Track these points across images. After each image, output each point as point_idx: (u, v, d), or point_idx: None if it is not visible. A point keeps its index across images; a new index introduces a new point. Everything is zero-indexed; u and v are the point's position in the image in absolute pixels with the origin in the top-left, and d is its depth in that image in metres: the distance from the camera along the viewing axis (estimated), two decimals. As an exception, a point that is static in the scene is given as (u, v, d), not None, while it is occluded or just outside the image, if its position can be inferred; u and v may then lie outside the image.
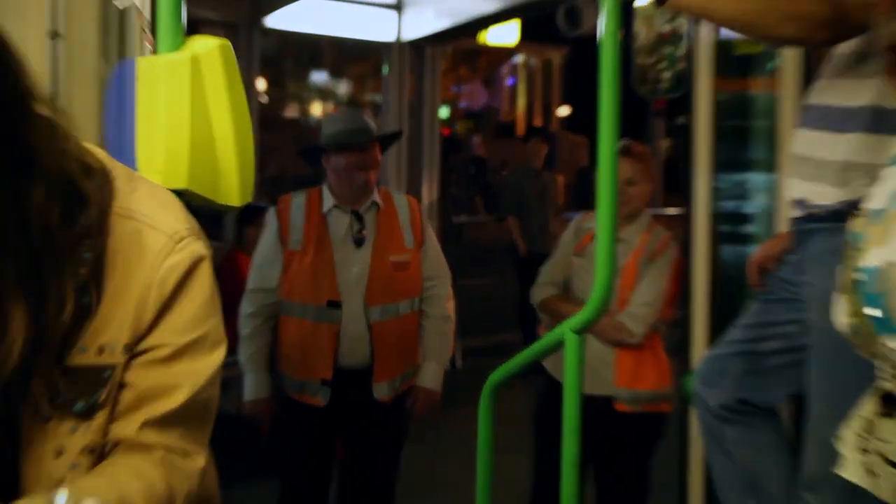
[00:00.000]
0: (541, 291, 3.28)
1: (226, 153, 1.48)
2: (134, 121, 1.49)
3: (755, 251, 2.17)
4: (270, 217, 3.07)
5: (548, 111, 22.15)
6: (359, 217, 3.04)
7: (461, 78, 22.29)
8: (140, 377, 1.06)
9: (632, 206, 3.08)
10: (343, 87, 18.63)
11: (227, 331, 1.14)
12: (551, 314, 3.19)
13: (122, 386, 1.06)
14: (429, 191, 6.20)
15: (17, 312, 0.96)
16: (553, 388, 3.00)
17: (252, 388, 3.04)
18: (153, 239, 1.06)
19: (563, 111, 21.69)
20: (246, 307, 3.05)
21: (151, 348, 1.06)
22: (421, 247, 3.09)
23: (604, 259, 1.77)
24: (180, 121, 1.47)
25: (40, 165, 0.97)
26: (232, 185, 1.48)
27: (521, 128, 22.11)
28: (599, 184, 1.82)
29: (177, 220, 1.09)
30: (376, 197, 3.07)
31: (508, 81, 23.41)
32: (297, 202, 3.07)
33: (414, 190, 6.04)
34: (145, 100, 1.49)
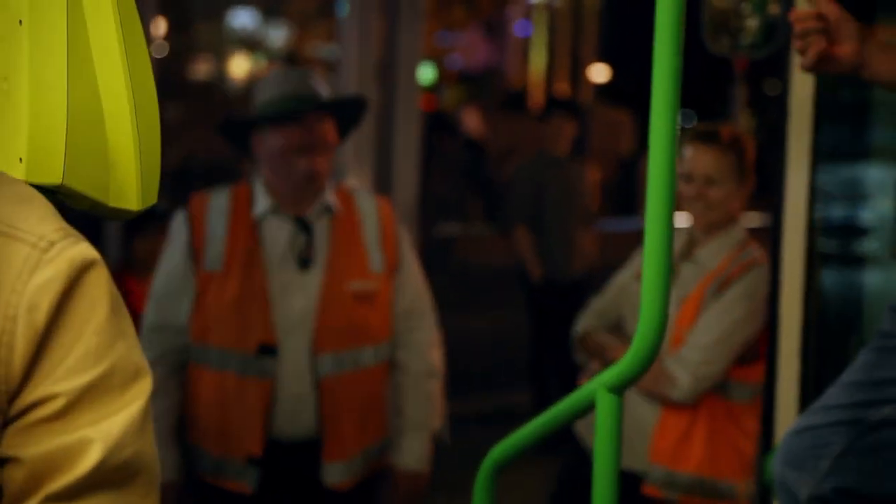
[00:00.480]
0: (583, 321, 3.33)
1: (119, 134, 1.51)
2: None
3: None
4: (177, 225, 3.11)
5: (577, 74, 22.26)
6: (305, 227, 3.08)
7: (453, 24, 22.41)
8: (27, 446, 1.08)
9: (713, 214, 3.16)
10: (278, 36, 18.67)
11: None
12: (592, 355, 3.27)
13: (5, 463, 1.08)
14: (403, 190, 6.27)
15: None
16: (584, 463, 3.02)
17: None
18: (9, 251, 1.08)
19: (599, 75, 21.80)
20: (144, 360, 3.07)
21: (36, 403, 1.08)
22: (394, 271, 3.14)
23: (653, 290, 1.82)
24: (51, 85, 1.49)
25: None
26: (128, 180, 1.50)
27: (536, 98, 22.21)
28: (650, 181, 1.88)
29: (41, 219, 1.12)
30: (330, 197, 3.11)
31: (521, 30, 23.52)
32: (217, 204, 3.10)
33: (382, 187, 6.10)
34: None
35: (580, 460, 3.12)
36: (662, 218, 1.90)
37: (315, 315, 3.03)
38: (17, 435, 1.08)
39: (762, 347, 3.05)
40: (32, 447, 1.08)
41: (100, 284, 1.12)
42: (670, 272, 1.88)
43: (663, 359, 3.05)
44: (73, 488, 1.08)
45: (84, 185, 1.47)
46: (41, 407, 1.08)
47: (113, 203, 1.50)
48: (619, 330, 3.28)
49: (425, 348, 3.17)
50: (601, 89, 21.25)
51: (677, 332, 3.11)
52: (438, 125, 16.51)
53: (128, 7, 1.56)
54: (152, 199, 1.53)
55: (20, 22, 1.49)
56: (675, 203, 1.98)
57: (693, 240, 3.26)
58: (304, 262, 3.06)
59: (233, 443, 3.03)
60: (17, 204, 1.12)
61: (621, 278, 3.36)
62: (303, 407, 3.03)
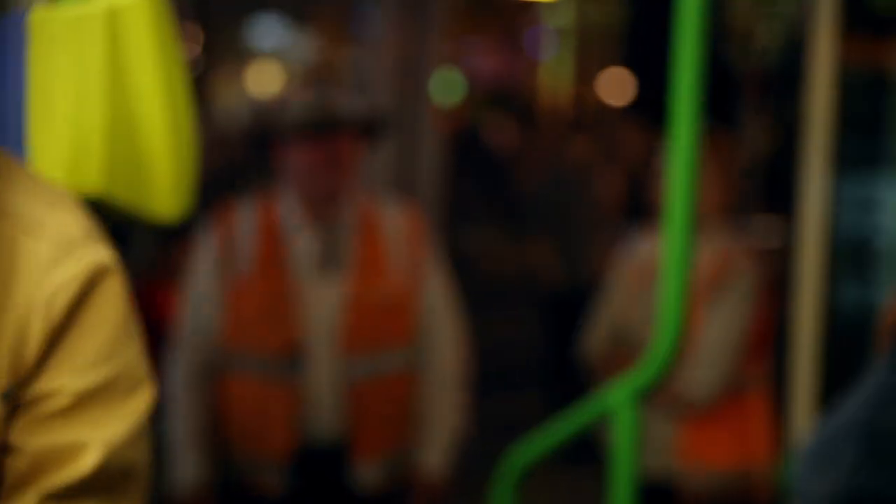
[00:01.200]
0: (592, 347, 3.36)
1: (156, 143, 1.54)
2: (22, 97, 1.53)
3: (890, 300, 2.23)
4: (206, 233, 3.15)
5: (595, 88, 22.19)
6: (332, 235, 3.11)
7: (472, 29, 22.34)
8: (31, 438, 1.09)
9: (703, 218, 3.17)
10: (303, 46, 18.67)
11: None
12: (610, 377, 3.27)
13: (6, 451, 1.10)
14: (424, 196, 6.28)
15: None
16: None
17: (187, 471, 3.10)
18: (32, 246, 1.10)
19: (621, 87, 21.73)
20: (176, 364, 3.11)
21: (42, 397, 1.10)
22: (419, 277, 3.16)
23: (671, 300, 1.85)
24: (91, 99, 1.51)
25: None
26: (164, 190, 1.53)
27: (557, 112, 22.17)
28: (672, 190, 1.90)
29: (67, 219, 1.13)
30: (357, 206, 3.14)
31: (542, 36, 23.49)
32: (245, 213, 3.14)
33: (403, 192, 6.11)
34: (41, 68, 1.53)
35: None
36: (682, 230, 1.92)
37: (341, 321, 3.05)
38: (23, 426, 1.10)
39: (762, 332, 3.10)
40: (35, 439, 1.09)
41: (115, 290, 1.14)
42: (689, 283, 1.90)
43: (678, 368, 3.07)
44: (69, 488, 1.09)
45: (121, 193, 1.50)
46: (48, 401, 1.10)
47: (150, 212, 1.53)
48: (625, 344, 3.30)
49: (449, 354, 3.17)
50: (621, 104, 21.15)
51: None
52: (464, 138, 16.52)
53: (164, 25, 1.59)
54: (187, 209, 1.55)
55: (61, 40, 1.52)
56: (695, 215, 2.00)
57: None
58: (331, 269, 3.08)
59: (262, 448, 3.05)
60: (45, 204, 1.14)
61: (618, 294, 3.37)
62: (330, 412, 3.04)
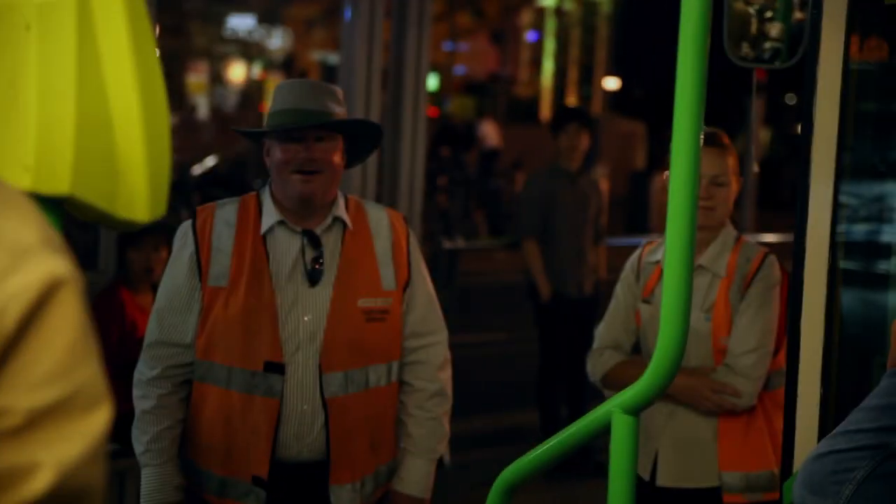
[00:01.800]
0: (602, 361, 3.41)
1: (129, 143, 1.52)
2: None
3: None
4: (183, 237, 3.09)
5: (588, 82, 22.30)
6: (314, 241, 3.07)
7: (458, 30, 22.44)
8: None
9: (719, 214, 3.33)
10: (277, 42, 18.67)
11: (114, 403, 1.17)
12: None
13: None
14: (409, 200, 6.29)
15: None
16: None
17: (154, 487, 3.08)
18: None
19: (611, 83, 21.84)
20: (145, 369, 3.08)
21: None
22: (405, 288, 3.14)
23: (671, 314, 1.84)
24: (60, 93, 1.49)
25: None
26: (137, 190, 1.51)
27: (546, 108, 22.27)
28: (671, 194, 1.89)
29: (22, 226, 1.11)
30: (341, 211, 3.10)
31: (530, 37, 23.60)
32: (224, 216, 3.09)
33: (387, 198, 6.12)
34: (4, 57, 1.52)
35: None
36: (684, 236, 1.91)
37: (324, 332, 3.02)
38: None
39: (782, 330, 3.22)
40: None
41: (72, 302, 1.11)
42: (689, 296, 1.90)
43: (713, 373, 3.27)
44: None
45: (92, 195, 1.47)
46: (1, 419, 1.08)
47: (121, 214, 1.50)
48: (635, 354, 3.44)
49: (433, 369, 3.16)
50: (613, 99, 21.27)
51: (714, 341, 3.29)
52: (447, 135, 16.54)
53: (139, 15, 1.57)
54: (161, 209, 1.54)
55: (28, 28, 1.50)
56: (696, 223, 1.99)
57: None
58: (313, 277, 3.05)
59: (238, 463, 3.03)
60: (2, 207, 1.11)
61: (624, 304, 3.45)
62: (311, 427, 3.02)
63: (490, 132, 19.19)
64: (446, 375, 3.19)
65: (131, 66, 1.54)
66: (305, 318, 3.03)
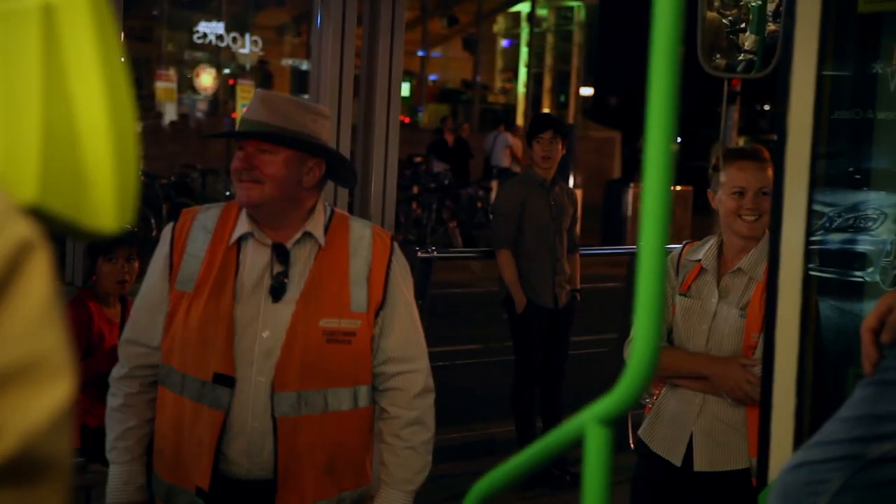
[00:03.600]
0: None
1: (95, 152, 1.52)
2: None
3: (871, 313, 2.25)
4: (163, 238, 3.12)
5: (563, 90, 22.34)
6: (283, 255, 3.05)
7: (431, 37, 22.46)
8: None
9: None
10: (246, 49, 18.61)
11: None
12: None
13: None
14: (382, 209, 6.28)
15: None
16: (655, 467, 3.60)
17: (116, 486, 3.10)
18: None
19: (586, 91, 21.85)
20: (117, 367, 3.12)
21: None
22: (378, 311, 3.08)
23: (645, 321, 1.85)
24: (25, 101, 1.50)
25: None
26: (104, 199, 1.50)
27: (520, 115, 22.28)
28: (644, 202, 1.90)
29: None
30: (313, 226, 3.07)
31: (504, 43, 23.64)
32: (204, 221, 3.10)
33: (360, 207, 6.11)
34: None
35: (651, 465, 3.74)
36: (655, 243, 1.92)
37: (279, 350, 2.99)
38: None
39: None
40: None
41: (40, 267, 1.12)
42: (664, 303, 1.91)
43: (748, 366, 3.61)
44: None
45: (58, 204, 1.48)
46: None
47: (88, 223, 1.50)
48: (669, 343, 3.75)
49: (411, 396, 3.11)
50: (588, 107, 21.29)
51: (747, 338, 3.67)
52: (440, 149, 16.52)
53: (105, 21, 1.57)
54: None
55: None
56: (669, 230, 2.01)
57: (730, 250, 3.86)
58: (276, 292, 3.03)
59: (183, 472, 3.03)
60: None
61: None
62: (259, 445, 2.99)
63: (507, 147, 18.77)
64: (425, 404, 3.14)
65: (97, 75, 1.54)
66: (264, 335, 3.01)
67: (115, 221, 1.54)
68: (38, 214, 1.46)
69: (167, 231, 3.12)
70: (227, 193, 9.72)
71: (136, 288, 3.45)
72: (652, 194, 1.84)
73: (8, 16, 1.49)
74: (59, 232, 1.51)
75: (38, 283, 1.11)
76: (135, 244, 4.93)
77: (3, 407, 1.08)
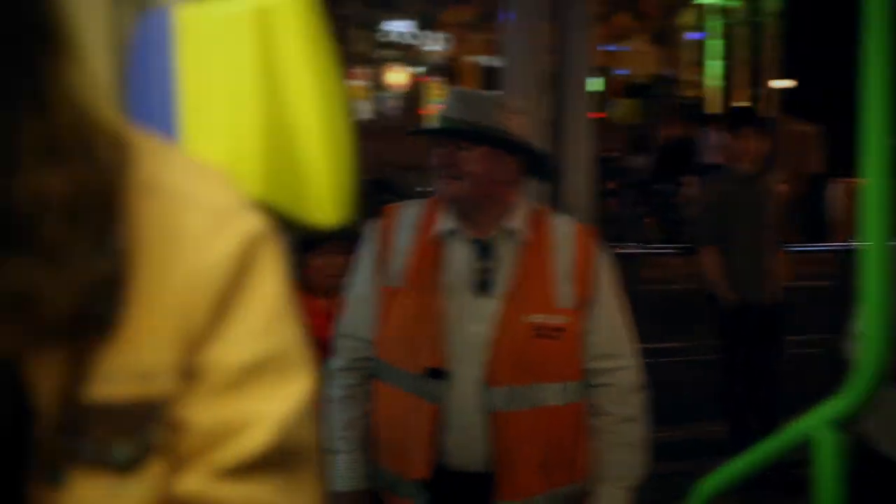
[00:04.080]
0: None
1: (312, 149, 1.56)
2: (170, 100, 1.56)
3: None
4: (369, 235, 3.22)
5: (756, 84, 21.94)
6: (485, 250, 3.11)
7: (618, 31, 22.33)
8: (198, 412, 1.12)
9: None
10: (435, 46, 18.80)
11: None
12: None
13: (176, 426, 1.12)
14: (575, 206, 6.24)
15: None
16: (877, 467, 3.31)
17: (346, 473, 3.18)
18: (189, 219, 1.13)
19: (782, 84, 21.41)
20: (335, 359, 3.21)
21: (209, 370, 1.13)
22: (587, 307, 3.11)
23: (873, 316, 1.79)
24: (245, 103, 1.54)
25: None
26: (322, 194, 1.55)
27: (713, 109, 21.97)
28: (867, 201, 1.85)
29: (219, 190, 1.16)
30: (516, 221, 3.13)
31: (692, 36, 23.33)
32: (408, 217, 3.19)
33: (553, 204, 6.08)
34: (192, 69, 1.56)
35: (873, 465, 3.35)
36: (878, 241, 1.87)
37: (489, 345, 3.04)
38: (190, 399, 1.12)
39: None
40: (203, 414, 1.13)
41: (273, 260, 1.16)
42: (888, 303, 1.85)
43: None
44: (238, 464, 1.13)
45: (278, 198, 1.52)
46: (214, 373, 1.13)
47: (308, 218, 1.54)
48: None
49: (624, 392, 3.14)
50: (785, 101, 20.87)
51: None
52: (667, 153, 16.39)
53: (315, 23, 1.60)
54: (348, 213, 1.57)
55: (216, 39, 1.54)
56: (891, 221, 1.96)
57: None
58: (481, 287, 3.09)
59: (404, 463, 3.10)
60: (197, 175, 1.17)
61: None
62: (473, 438, 3.04)
63: (710, 143, 18.61)
64: (638, 400, 3.17)
65: (309, 75, 1.58)
66: (472, 329, 3.06)
67: (333, 216, 1.58)
68: (262, 209, 1.50)
69: (372, 228, 3.20)
70: (420, 190, 9.81)
71: (342, 283, 3.51)
72: (873, 191, 1.78)
73: (227, 21, 1.53)
74: (280, 226, 1.54)
75: (271, 277, 1.16)
76: (346, 239, 4.99)
77: (254, 399, 1.13)
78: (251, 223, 1.15)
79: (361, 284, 3.21)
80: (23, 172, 1.01)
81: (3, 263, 1.00)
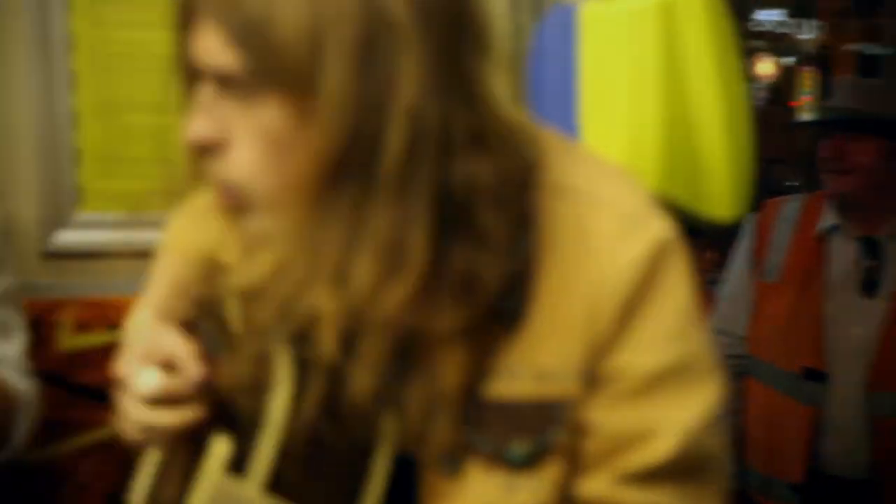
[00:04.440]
0: None
1: (712, 143, 1.59)
2: (573, 93, 1.62)
3: None
4: (746, 230, 3.15)
5: None
6: (872, 248, 2.99)
7: None
8: (604, 417, 1.15)
9: None
10: (807, 35, 18.26)
11: None
12: None
13: (580, 429, 1.16)
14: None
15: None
16: None
17: None
18: (598, 221, 1.15)
19: None
20: None
21: (615, 375, 1.14)
22: None
23: None
24: (647, 96, 1.58)
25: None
26: (720, 189, 1.58)
27: None
28: None
29: (627, 194, 1.18)
30: None
31: None
32: (788, 212, 3.12)
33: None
34: (593, 64, 1.62)
35: None
36: None
37: (875, 347, 2.92)
38: (596, 404, 1.15)
39: None
40: (608, 419, 1.14)
41: (680, 267, 1.17)
42: None
43: None
44: (643, 471, 1.14)
45: (677, 192, 1.55)
46: (620, 380, 1.14)
47: (705, 211, 1.57)
48: None
49: None
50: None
51: None
52: None
53: (719, 15, 1.63)
54: (743, 209, 1.59)
55: (619, 35, 1.59)
56: None
57: None
58: (869, 287, 2.96)
59: (777, 464, 3.04)
60: (603, 179, 1.19)
61: None
62: (853, 444, 2.94)
63: None
64: None
65: (713, 69, 1.60)
66: (854, 330, 2.95)
67: (731, 210, 1.60)
68: (661, 204, 1.54)
69: (750, 222, 3.14)
70: (788, 184, 9.58)
71: (709, 279, 3.50)
72: None
73: (631, 16, 1.58)
74: (678, 220, 1.59)
75: (678, 284, 1.17)
76: (709, 236, 4.94)
77: (661, 406, 1.15)
78: (660, 229, 1.17)
79: (736, 280, 3.17)
80: (458, 157, 1.06)
81: (450, 247, 1.07)
